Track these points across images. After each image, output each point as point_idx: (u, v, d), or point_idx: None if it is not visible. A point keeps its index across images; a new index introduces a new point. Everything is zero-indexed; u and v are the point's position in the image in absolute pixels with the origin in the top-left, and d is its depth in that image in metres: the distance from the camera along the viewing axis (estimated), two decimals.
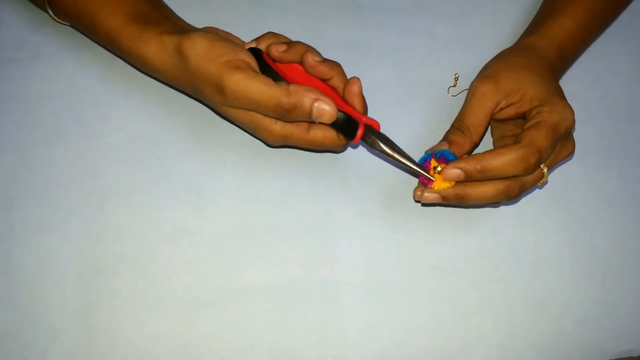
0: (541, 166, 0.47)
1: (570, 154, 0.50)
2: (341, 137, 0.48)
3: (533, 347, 0.49)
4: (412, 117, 0.55)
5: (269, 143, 0.49)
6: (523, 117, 0.49)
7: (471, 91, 0.49)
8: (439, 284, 0.50)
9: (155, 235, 0.49)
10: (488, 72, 0.50)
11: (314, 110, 0.45)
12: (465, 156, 0.48)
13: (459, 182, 0.47)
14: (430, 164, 0.48)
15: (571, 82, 0.53)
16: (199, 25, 0.51)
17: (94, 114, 0.52)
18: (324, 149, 0.49)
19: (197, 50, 0.45)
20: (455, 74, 0.56)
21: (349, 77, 0.53)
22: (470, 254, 0.51)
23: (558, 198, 0.53)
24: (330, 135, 0.48)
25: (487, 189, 0.47)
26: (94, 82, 0.53)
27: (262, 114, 0.46)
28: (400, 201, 0.52)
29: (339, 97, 0.48)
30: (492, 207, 0.53)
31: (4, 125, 0.51)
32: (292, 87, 0.45)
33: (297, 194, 0.51)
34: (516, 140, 0.46)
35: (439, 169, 0.47)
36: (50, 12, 0.52)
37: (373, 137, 0.47)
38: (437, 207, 0.52)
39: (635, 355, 0.50)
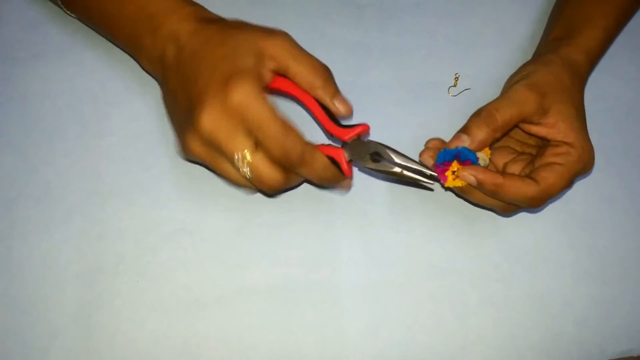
0: None
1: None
2: (303, 139, 0.44)
3: (533, 347, 0.49)
4: (412, 117, 0.55)
5: (232, 95, 0.41)
6: (547, 140, 0.48)
7: (513, 91, 0.47)
8: (439, 284, 0.50)
9: (156, 235, 0.49)
10: (535, 82, 0.48)
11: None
12: (486, 167, 0.47)
13: None
14: (451, 166, 0.47)
15: None
16: None
17: (94, 114, 0.52)
18: (284, 141, 0.43)
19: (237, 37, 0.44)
20: (456, 74, 0.56)
21: (349, 76, 0.53)
22: (470, 253, 0.51)
23: (558, 198, 0.53)
24: (297, 134, 0.43)
25: (490, 200, 0.48)
26: (94, 82, 0.53)
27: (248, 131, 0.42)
28: (400, 201, 0.52)
29: (322, 113, 0.45)
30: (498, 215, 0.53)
31: (4, 124, 0.51)
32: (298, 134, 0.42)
33: (297, 194, 0.51)
34: (535, 174, 0.46)
35: (455, 172, 0.47)
36: (60, 3, 0.52)
37: (367, 162, 0.45)
38: (437, 207, 0.52)
39: (635, 355, 0.50)
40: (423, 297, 0.50)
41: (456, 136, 0.47)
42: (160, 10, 0.46)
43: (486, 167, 0.47)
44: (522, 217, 0.53)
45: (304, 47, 0.46)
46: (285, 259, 0.50)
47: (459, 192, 0.49)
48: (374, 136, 0.49)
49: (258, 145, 0.42)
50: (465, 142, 0.46)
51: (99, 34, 0.53)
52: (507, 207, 0.48)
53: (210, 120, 0.41)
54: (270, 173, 0.42)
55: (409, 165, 0.46)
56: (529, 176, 0.47)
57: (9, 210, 0.49)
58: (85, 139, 0.51)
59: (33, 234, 0.48)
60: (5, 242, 0.48)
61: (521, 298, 0.50)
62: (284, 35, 0.45)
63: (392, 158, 0.45)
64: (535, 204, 0.47)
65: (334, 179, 0.45)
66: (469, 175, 0.46)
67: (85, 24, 0.54)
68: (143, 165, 0.51)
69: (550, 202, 0.52)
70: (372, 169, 0.46)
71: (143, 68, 0.51)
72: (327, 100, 0.45)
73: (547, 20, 0.57)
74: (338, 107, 0.45)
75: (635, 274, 0.52)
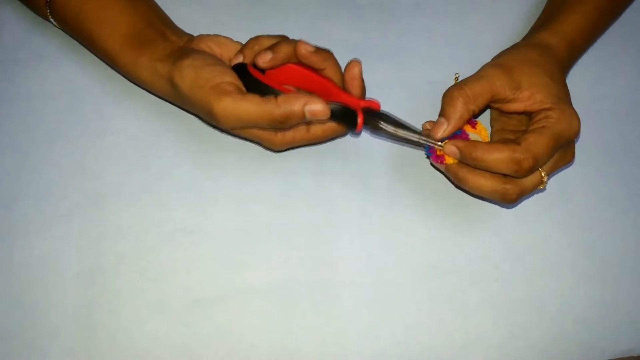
0: (541, 173, 0.47)
1: (570, 161, 0.50)
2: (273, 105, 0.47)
3: (533, 347, 0.49)
4: (412, 117, 0.54)
5: (274, 150, 0.50)
6: (529, 115, 0.49)
7: (480, 72, 0.48)
8: (439, 284, 0.50)
9: (156, 235, 0.49)
10: (501, 61, 0.49)
11: (307, 114, 0.45)
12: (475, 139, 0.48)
13: (461, 163, 0.48)
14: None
15: (572, 82, 0.53)
16: (198, 25, 0.51)
17: (95, 114, 0.52)
18: (329, 139, 0.50)
19: (186, 80, 0.46)
20: (456, 74, 0.56)
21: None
22: (470, 253, 0.51)
23: (558, 198, 0.53)
24: (330, 127, 0.48)
25: (484, 182, 0.47)
26: (95, 83, 0.53)
27: (259, 129, 0.47)
28: (400, 201, 0.52)
29: (334, 86, 0.48)
30: (492, 203, 0.52)
31: (4, 125, 0.51)
32: (280, 98, 0.45)
33: (297, 194, 0.51)
34: (517, 139, 0.46)
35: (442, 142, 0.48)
36: (53, 22, 0.52)
37: (374, 122, 0.47)
38: (437, 207, 0.52)
39: (635, 355, 0.50)
40: (423, 297, 0.50)
41: (436, 124, 0.48)
42: (126, 62, 0.50)
43: None
44: (522, 216, 0.53)
45: None
46: (285, 259, 0.50)
47: (455, 181, 0.49)
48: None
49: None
50: (444, 125, 0.47)
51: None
52: (506, 192, 0.47)
53: (229, 130, 0.48)
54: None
55: (415, 136, 0.48)
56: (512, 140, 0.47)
57: (9, 210, 0.49)
58: (86, 139, 0.51)
59: (33, 234, 0.48)
60: (5, 242, 0.48)
61: (521, 298, 0.50)
62: (217, 111, 0.46)
63: (402, 125, 0.48)
64: (520, 169, 0.45)
65: (322, 112, 0.47)
66: (451, 147, 0.47)
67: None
68: (143, 165, 0.51)
69: (550, 177, 0.51)
70: (385, 134, 0.49)
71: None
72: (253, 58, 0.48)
73: None
74: (261, 61, 0.47)
75: (635, 274, 0.52)
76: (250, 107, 0.45)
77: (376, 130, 0.48)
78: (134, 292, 0.48)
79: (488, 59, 0.54)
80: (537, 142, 0.46)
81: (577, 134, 0.48)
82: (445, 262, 0.51)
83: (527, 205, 0.53)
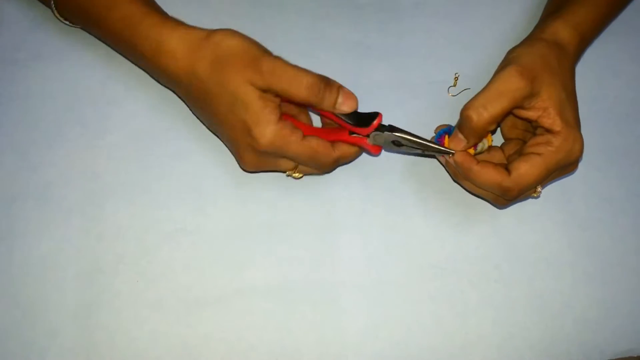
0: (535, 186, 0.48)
1: (570, 172, 0.50)
2: (330, 150, 0.48)
3: (533, 347, 0.49)
4: (412, 117, 0.55)
5: (261, 143, 0.45)
6: (535, 124, 0.48)
7: (503, 79, 0.46)
8: (439, 284, 0.50)
9: (156, 235, 0.49)
10: (525, 64, 0.47)
11: (340, 97, 0.46)
12: (481, 144, 0.49)
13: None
14: (444, 140, 0.49)
15: None
16: (198, 25, 0.50)
17: (95, 114, 0.52)
18: (315, 161, 0.47)
19: (236, 35, 0.46)
20: (455, 74, 0.56)
21: (349, 76, 0.53)
22: (470, 253, 0.51)
23: (558, 198, 0.53)
24: (324, 146, 0.47)
25: (476, 187, 0.49)
26: (95, 82, 0.53)
27: (291, 95, 0.45)
28: (400, 201, 0.52)
29: (338, 119, 0.48)
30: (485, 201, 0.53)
31: (4, 125, 0.51)
32: (322, 75, 0.46)
33: (297, 194, 0.51)
34: (510, 164, 0.47)
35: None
36: (53, 7, 0.52)
37: (391, 134, 0.48)
38: (437, 207, 0.52)
39: (635, 355, 0.50)
40: (423, 297, 0.50)
41: (455, 140, 0.48)
42: (147, 51, 0.48)
43: (482, 152, 0.49)
44: (522, 217, 0.53)
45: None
46: (285, 259, 0.50)
47: (452, 175, 0.50)
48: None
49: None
50: (462, 142, 0.48)
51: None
52: (497, 198, 0.49)
53: (251, 162, 0.48)
54: (318, 167, 0.49)
55: (426, 144, 0.49)
56: (505, 165, 0.47)
57: (9, 210, 0.49)
58: (86, 138, 0.51)
59: (33, 234, 0.48)
60: (5, 241, 0.48)
61: (521, 298, 0.50)
62: (265, 62, 0.45)
63: (410, 144, 0.48)
64: (508, 195, 0.47)
65: (356, 156, 0.51)
66: (449, 159, 0.48)
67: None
68: (143, 165, 0.51)
69: (522, 200, 0.51)
70: (396, 151, 0.51)
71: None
72: (329, 109, 0.47)
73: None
74: (341, 109, 0.47)
75: (635, 274, 0.52)
76: (296, 71, 0.45)
77: (394, 142, 0.49)
78: (134, 292, 0.48)
79: (488, 59, 0.54)
80: (526, 174, 0.46)
81: (578, 158, 0.48)
82: (445, 262, 0.51)
83: (527, 205, 0.53)
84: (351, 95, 0.47)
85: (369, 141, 0.48)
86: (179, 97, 0.52)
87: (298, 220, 0.51)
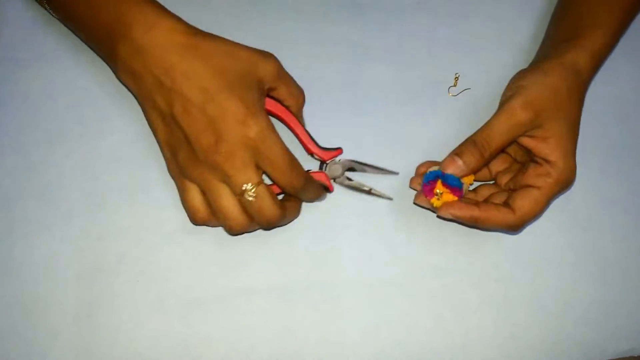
0: None
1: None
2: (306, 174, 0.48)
3: (534, 347, 0.49)
4: (412, 117, 0.55)
5: (251, 128, 0.43)
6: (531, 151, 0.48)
7: (508, 112, 0.47)
8: (439, 284, 0.50)
9: (156, 235, 0.49)
10: (530, 99, 0.47)
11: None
12: (463, 198, 0.48)
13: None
14: (436, 186, 0.47)
15: None
16: (198, 25, 0.50)
17: (95, 114, 0.52)
18: (291, 170, 0.46)
19: (225, 41, 0.46)
20: (456, 74, 0.56)
21: (349, 76, 0.54)
22: (471, 253, 0.51)
23: (559, 198, 0.53)
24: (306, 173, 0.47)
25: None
26: (95, 82, 0.53)
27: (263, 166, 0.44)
28: (401, 201, 0.52)
29: (305, 137, 0.51)
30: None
31: (4, 125, 0.51)
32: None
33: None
34: (512, 201, 0.47)
35: (440, 193, 0.48)
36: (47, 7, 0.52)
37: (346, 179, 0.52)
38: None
39: (636, 355, 0.50)
40: (423, 297, 0.50)
41: (450, 159, 0.48)
42: (138, 21, 0.44)
43: (466, 193, 0.49)
44: None
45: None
46: (285, 259, 0.50)
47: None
48: (374, 138, 0.49)
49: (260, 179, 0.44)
50: (460, 168, 0.47)
51: (82, 40, 0.52)
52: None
53: (226, 152, 0.43)
54: (272, 205, 0.45)
55: (376, 171, 0.52)
56: (506, 203, 0.48)
57: (9, 210, 0.49)
58: (86, 139, 0.51)
59: (33, 234, 0.48)
60: (5, 242, 0.48)
61: (521, 298, 0.50)
62: (274, 59, 0.47)
63: (363, 169, 0.52)
64: (513, 230, 0.49)
65: (321, 197, 0.51)
66: (446, 215, 0.47)
67: (70, 29, 0.53)
68: (143, 165, 0.51)
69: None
70: (347, 186, 0.52)
71: (119, 79, 0.49)
72: (300, 118, 0.50)
73: (549, 19, 0.57)
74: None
75: (635, 274, 0.52)
76: (281, 145, 0.44)
77: (349, 170, 0.52)
78: (134, 292, 0.48)
79: (488, 59, 0.54)
80: (531, 210, 0.47)
81: (570, 187, 0.49)
82: (445, 262, 0.51)
83: None
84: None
85: (327, 174, 0.51)
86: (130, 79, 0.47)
87: (298, 220, 0.51)
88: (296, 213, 0.49)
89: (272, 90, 0.48)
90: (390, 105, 0.55)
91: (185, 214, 0.49)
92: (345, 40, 0.57)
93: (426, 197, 0.48)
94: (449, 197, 0.47)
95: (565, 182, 0.48)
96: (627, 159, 0.55)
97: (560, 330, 0.50)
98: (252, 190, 0.43)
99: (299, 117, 0.50)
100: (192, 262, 0.49)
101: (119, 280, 0.48)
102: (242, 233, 0.47)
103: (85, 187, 0.50)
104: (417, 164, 0.52)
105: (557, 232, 0.52)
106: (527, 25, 0.58)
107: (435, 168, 0.49)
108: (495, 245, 0.51)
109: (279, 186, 0.46)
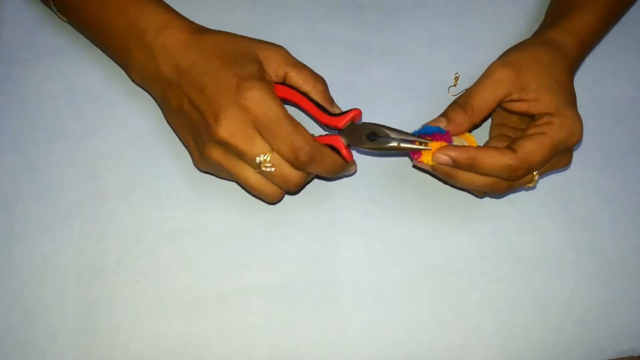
0: (532, 173, 0.47)
1: (564, 166, 0.50)
2: (312, 140, 0.45)
3: (533, 347, 0.49)
4: (412, 117, 0.54)
5: (252, 91, 0.43)
6: (531, 116, 0.48)
7: (487, 72, 0.48)
8: (439, 284, 0.50)
9: (156, 235, 0.49)
10: (510, 59, 0.48)
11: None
12: (460, 144, 0.47)
13: None
14: (434, 138, 0.47)
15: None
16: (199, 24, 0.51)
17: (95, 114, 0.52)
18: (293, 142, 0.43)
19: (225, 35, 0.46)
20: (456, 74, 0.56)
21: (349, 76, 0.53)
22: (471, 253, 0.51)
23: (559, 197, 0.53)
24: (308, 135, 0.45)
25: (476, 178, 0.47)
26: (95, 82, 0.53)
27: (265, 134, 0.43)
28: (400, 201, 0.52)
29: (316, 109, 0.47)
30: (475, 196, 0.52)
31: (4, 125, 0.51)
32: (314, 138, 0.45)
33: (298, 194, 0.51)
34: (514, 144, 0.46)
35: (427, 141, 0.47)
36: (54, 8, 0.52)
37: (363, 139, 0.47)
38: (437, 206, 0.52)
39: (635, 355, 0.50)
40: (423, 297, 0.50)
41: (436, 119, 0.48)
42: (151, 26, 0.46)
43: None
44: (523, 216, 0.52)
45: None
46: (285, 258, 0.50)
47: (445, 178, 0.48)
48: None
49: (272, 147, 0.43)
50: (442, 123, 0.47)
51: (92, 42, 0.53)
52: (496, 185, 0.47)
53: (228, 127, 0.42)
54: (292, 170, 0.44)
55: (403, 137, 0.47)
56: (507, 147, 0.47)
57: (9, 210, 0.49)
58: (85, 139, 0.51)
59: (33, 234, 0.48)
60: (5, 242, 0.48)
61: (521, 298, 0.50)
62: (281, 47, 0.47)
63: (387, 134, 0.46)
64: (515, 176, 0.46)
65: (340, 169, 0.47)
66: (442, 156, 0.46)
67: (79, 32, 0.53)
68: (143, 165, 0.51)
69: (515, 191, 0.51)
70: (370, 149, 0.47)
71: (134, 81, 0.50)
72: (327, 104, 0.47)
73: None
74: (336, 111, 0.47)
75: (635, 274, 0.52)
76: (280, 110, 0.43)
77: (369, 136, 0.47)
78: (134, 292, 0.48)
79: (488, 59, 0.54)
80: (534, 151, 0.45)
81: (578, 141, 0.47)
82: (445, 262, 0.51)
83: (528, 205, 0.53)
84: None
85: (343, 139, 0.46)
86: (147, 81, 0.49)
87: (298, 220, 0.51)
88: (331, 163, 0.45)
89: (285, 78, 0.47)
90: (390, 105, 0.55)
91: (186, 215, 0.49)
92: (345, 40, 0.57)
93: (415, 158, 0.47)
94: (437, 144, 0.46)
95: (571, 130, 0.46)
96: (627, 159, 0.55)
97: (560, 330, 0.50)
98: (268, 161, 0.43)
99: (325, 103, 0.47)
100: (192, 262, 0.49)
101: (119, 280, 0.48)
102: (282, 199, 0.47)
103: (85, 187, 0.50)
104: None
105: (557, 232, 0.52)
106: (527, 26, 0.58)
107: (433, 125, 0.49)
108: (495, 245, 0.51)
109: (284, 159, 0.43)
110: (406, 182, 0.52)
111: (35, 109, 0.52)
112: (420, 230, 0.51)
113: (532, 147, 0.45)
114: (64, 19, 0.53)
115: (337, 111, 0.47)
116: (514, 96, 0.47)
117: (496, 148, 0.46)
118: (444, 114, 0.48)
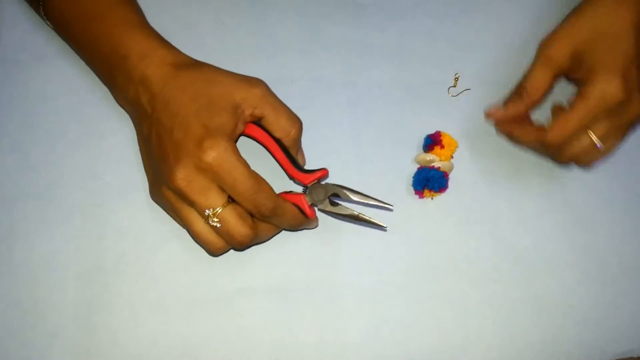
0: (589, 134, 0.49)
1: (621, 137, 0.50)
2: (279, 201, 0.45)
3: (533, 348, 0.49)
4: (412, 117, 0.55)
5: (208, 152, 0.42)
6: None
7: (540, 50, 0.51)
8: (439, 284, 0.50)
9: (156, 235, 0.49)
10: (564, 29, 0.50)
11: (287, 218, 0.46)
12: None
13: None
14: (424, 193, 0.52)
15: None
16: (198, 25, 0.51)
17: (95, 114, 0.52)
18: (255, 197, 0.44)
19: (211, 68, 0.46)
20: (456, 74, 0.56)
21: (349, 76, 0.53)
22: (470, 254, 0.51)
23: (558, 198, 0.53)
24: (271, 192, 0.45)
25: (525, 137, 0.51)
26: (95, 83, 0.53)
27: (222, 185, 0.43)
28: (400, 201, 0.52)
29: (286, 162, 0.48)
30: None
31: (5, 125, 0.51)
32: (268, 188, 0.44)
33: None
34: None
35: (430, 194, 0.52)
36: (42, 14, 0.52)
37: (328, 207, 0.48)
38: (437, 207, 0.52)
39: (635, 356, 0.50)
40: (423, 297, 0.50)
41: (496, 111, 0.52)
42: (133, 53, 0.46)
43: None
44: (522, 217, 0.52)
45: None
46: (285, 259, 0.50)
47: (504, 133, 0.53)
48: (373, 137, 0.50)
49: (229, 200, 0.43)
50: (520, 105, 0.51)
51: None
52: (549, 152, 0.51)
53: (184, 177, 0.42)
54: (240, 227, 0.43)
55: (364, 200, 0.48)
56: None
57: (9, 210, 0.49)
58: (85, 139, 0.51)
59: (33, 234, 0.48)
60: (5, 242, 0.48)
61: (521, 298, 0.50)
62: (261, 85, 0.46)
63: (348, 196, 0.48)
64: (554, 141, 0.49)
65: (301, 223, 0.47)
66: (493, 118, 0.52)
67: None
68: (143, 165, 0.51)
69: (583, 156, 0.50)
70: (330, 212, 0.48)
71: (117, 102, 0.51)
72: (294, 151, 0.48)
73: (550, 18, 0.56)
74: (300, 159, 0.50)
75: (635, 275, 0.52)
76: (242, 168, 0.43)
77: (332, 197, 0.48)
78: (134, 292, 0.48)
79: (488, 59, 0.54)
80: (566, 117, 0.48)
81: (620, 100, 0.47)
82: (445, 263, 0.51)
83: (527, 205, 0.53)
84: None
85: (306, 198, 0.47)
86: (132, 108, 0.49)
87: None
88: (270, 233, 0.47)
89: (260, 119, 0.47)
90: (390, 105, 0.55)
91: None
92: (345, 40, 0.57)
93: (419, 197, 0.52)
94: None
95: (603, 91, 0.47)
96: (626, 159, 0.55)
97: (560, 331, 0.50)
98: (215, 216, 0.43)
99: (293, 150, 0.48)
100: (192, 262, 0.49)
101: (119, 280, 0.48)
102: (225, 252, 0.47)
103: (85, 187, 0.50)
104: (416, 164, 0.52)
105: (557, 233, 0.52)
106: (527, 25, 0.58)
107: (425, 158, 0.52)
108: (494, 246, 0.51)
109: (242, 213, 0.44)
110: (406, 183, 0.52)
111: (35, 109, 0.52)
112: (420, 230, 0.51)
113: (564, 114, 0.48)
114: (57, 33, 0.53)
115: (302, 161, 0.50)
116: (568, 71, 0.50)
117: (533, 125, 0.51)
118: (505, 105, 0.52)
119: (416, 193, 0.52)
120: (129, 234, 0.49)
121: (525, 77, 0.51)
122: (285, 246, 0.50)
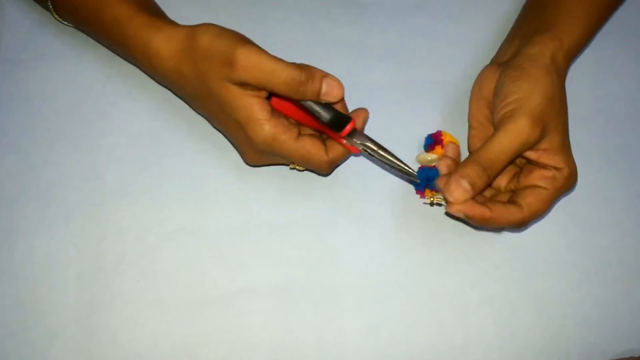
0: None
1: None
2: (323, 153, 0.47)
3: (533, 348, 0.49)
4: (412, 117, 0.55)
5: (255, 142, 0.46)
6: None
7: (517, 132, 0.45)
8: (439, 284, 0.50)
9: (157, 235, 0.49)
10: (537, 113, 0.46)
11: (324, 86, 0.45)
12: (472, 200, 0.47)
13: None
14: (425, 193, 0.51)
15: (572, 82, 0.53)
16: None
17: (96, 114, 0.52)
18: (309, 163, 0.47)
19: (211, 30, 0.45)
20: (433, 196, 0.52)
21: (349, 76, 0.53)
22: (470, 254, 0.51)
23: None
24: (317, 148, 0.47)
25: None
26: (96, 83, 0.53)
27: (270, 89, 0.44)
28: (400, 201, 0.52)
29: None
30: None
31: (6, 125, 0.51)
32: (303, 64, 0.45)
33: (298, 194, 0.51)
34: (520, 200, 0.47)
35: (433, 197, 0.50)
36: (51, 7, 0.52)
37: (359, 136, 0.47)
38: (437, 208, 0.52)
39: (635, 356, 0.50)
40: (423, 297, 0.50)
41: (456, 184, 0.45)
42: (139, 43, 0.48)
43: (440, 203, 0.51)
44: None
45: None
46: (285, 259, 0.50)
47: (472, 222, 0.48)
48: (374, 135, 0.49)
49: None
50: (467, 191, 0.45)
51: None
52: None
53: (253, 162, 0.50)
54: (319, 157, 0.47)
55: (395, 164, 0.48)
56: (514, 200, 0.47)
57: (9, 210, 0.49)
58: (86, 139, 0.51)
59: (33, 234, 0.48)
60: (5, 242, 0.48)
61: (521, 298, 0.50)
62: (239, 58, 0.44)
63: (378, 157, 0.48)
64: (520, 228, 0.51)
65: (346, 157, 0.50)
66: (459, 213, 0.45)
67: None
68: (143, 165, 0.51)
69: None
70: (370, 148, 0.48)
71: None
72: (314, 98, 0.46)
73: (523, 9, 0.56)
74: (327, 99, 0.46)
75: (635, 275, 0.52)
76: (274, 60, 0.43)
77: (366, 148, 0.47)
78: (134, 292, 0.48)
79: (488, 59, 0.54)
80: (539, 209, 0.47)
81: (573, 189, 0.50)
82: (445, 262, 0.51)
83: None
84: (336, 84, 0.45)
85: (346, 142, 0.47)
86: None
87: (298, 220, 0.51)
88: (344, 154, 0.48)
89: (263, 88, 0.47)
90: (390, 105, 0.55)
91: (186, 215, 0.49)
92: (345, 40, 0.57)
93: (420, 196, 0.51)
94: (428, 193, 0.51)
95: (571, 185, 0.48)
96: (627, 159, 0.55)
97: (560, 331, 0.50)
98: (295, 166, 0.50)
99: (304, 99, 0.46)
100: (193, 262, 0.49)
101: (119, 280, 0.48)
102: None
103: (85, 187, 0.50)
104: (416, 164, 0.52)
105: (557, 232, 0.52)
106: None
107: (426, 158, 0.51)
108: (494, 245, 0.51)
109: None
110: (405, 183, 0.52)
111: (35, 109, 0.52)
112: (420, 230, 0.51)
113: (537, 206, 0.47)
114: (62, 21, 0.53)
115: (330, 97, 0.46)
116: (529, 149, 0.47)
117: (505, 207, 0.47)
118: (466, 177, 0.45)
119: (417, 193, 0.52)
120: (129, 234, 0.49)
121: (492, 160, 0.46)
122: (285, 246, 0.50)
